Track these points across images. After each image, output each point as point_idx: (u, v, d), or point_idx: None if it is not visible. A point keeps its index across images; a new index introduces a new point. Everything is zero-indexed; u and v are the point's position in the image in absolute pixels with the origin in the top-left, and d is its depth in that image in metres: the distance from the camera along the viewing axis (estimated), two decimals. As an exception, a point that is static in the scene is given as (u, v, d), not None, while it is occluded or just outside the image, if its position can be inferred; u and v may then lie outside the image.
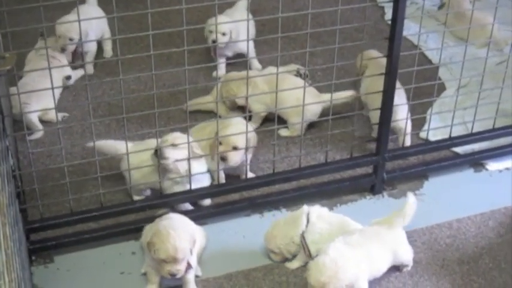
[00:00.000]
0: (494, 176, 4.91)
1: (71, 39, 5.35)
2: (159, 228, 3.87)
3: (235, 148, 4.43)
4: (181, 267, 3.86)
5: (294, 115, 4.86)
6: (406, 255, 4.09)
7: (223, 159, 4.43)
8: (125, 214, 4.29)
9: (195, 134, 4.56)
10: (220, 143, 4.40)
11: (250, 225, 4.44)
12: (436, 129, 4.90)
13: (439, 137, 4.93)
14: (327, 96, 4.79)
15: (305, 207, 4.20)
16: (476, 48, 5.73)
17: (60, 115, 5.12)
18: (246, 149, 4.45)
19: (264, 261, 4.19)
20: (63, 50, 5.41)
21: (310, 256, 4.07)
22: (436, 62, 5.49)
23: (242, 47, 5.27)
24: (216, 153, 4.41)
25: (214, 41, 5.21)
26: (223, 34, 5.26)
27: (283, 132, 5.06)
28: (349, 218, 4.22)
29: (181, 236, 3.84)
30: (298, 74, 5.13)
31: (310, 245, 4.09)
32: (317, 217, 4.15)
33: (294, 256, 4.17)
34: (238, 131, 4.40)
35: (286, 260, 4.18)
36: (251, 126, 4.53)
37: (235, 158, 4.46)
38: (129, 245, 4.29)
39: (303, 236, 4.10)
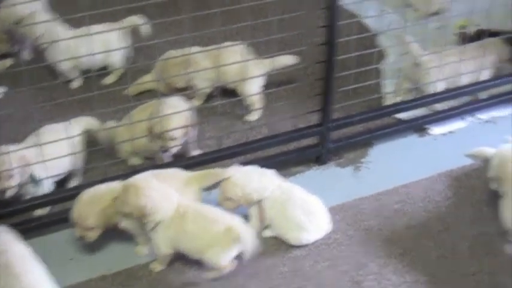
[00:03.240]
0: (438, 140, 4.96)
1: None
2: (88, 190, 4.02)
3: (172, 139, 4.41)
4: (82, 233, 4.00)
5: (242, 83, 4.82)
6: None
7: (166, 151, 4.43)
8: (69, 200, 4.24)
9: (137, 116, 4.51)
10: (160, 137, 4.39)
11: (199, 202, 4.42)
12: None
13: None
14: (268, 62, 4.78)
15: (272, 172, 4.23)
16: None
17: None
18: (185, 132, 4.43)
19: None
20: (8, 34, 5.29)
21: (263, 221, 4.12)
22: (375, 30, 5.51)
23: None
24: (153, 137, 4.41)
25: None
26: None
27: (251, 116, 5.03)
28: (298, 187, 4.24)
29: (89, 206, 3.96)
30: None
31: (267, 211, 4.13)
32: (278, 185, 4.18)
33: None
34: (173, 119, 4.36)
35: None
36: (187, 105, 4.49)
37: (176, 147, 4.45)
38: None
39: (261, 202, 4.12)
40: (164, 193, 3.90)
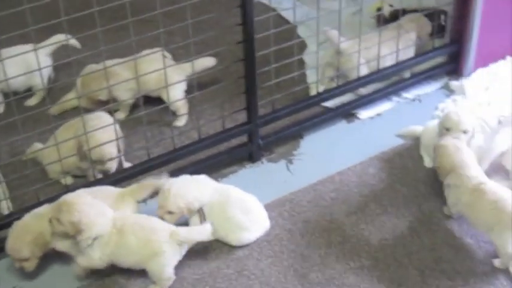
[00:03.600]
0: (367, 124, 4.99)
1: None
2: (17, 222, 3.98)
3: (110, 159, 4.39)
4: (20, 264, 3.96)
5: (164, 90, 4.77)
6: None
7: (105, 172, 4.41)
8: (5, 228, 4.16)
9: (61, 135, 4.44)
10: (95, 162, 4.37)
11: (135, 215, 4.38)
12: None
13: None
14: (188, 65, 4.75)
15: (204, 177, 4.22)
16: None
17: None
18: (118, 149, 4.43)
19: (155, 249, 4.14)
20: None
21: None
22: (294, 21, 5.51)
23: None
24: (84, 155, 4.37)
25: None
26: None
27: (178, 122, 5.02)
28: (233, 187, 4.24)
29: (20, 239, 3.92)
30: None
31: (207, 217, 4.10)
32: (214, 189, 4.16)
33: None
34: (103, 135, 4.34)
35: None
36: (112, 119, 4.45)
37: (114, 166, 4.44)
38: (16, 259, 4.18)
39: (201, 209, 4.10)
40: (98, 208, 3.84)
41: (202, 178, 4.18)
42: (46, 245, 3.95)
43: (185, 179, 4.14)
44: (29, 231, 3.92)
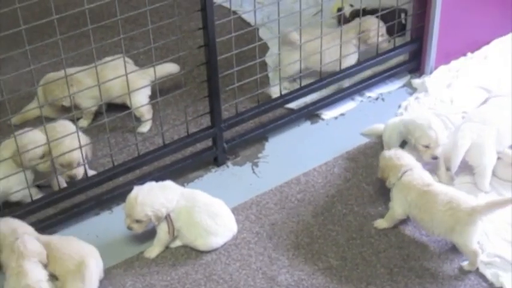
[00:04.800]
0: (331, 124, 5.00)
1: None
2: None
3: (79, 164, 4.35)
4: None
5: (128, 96, 4.74)
6: None
7: (72, 178, 4.36)
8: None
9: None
10: (63, 165, 4.33)
11: (101, 223, 4.36)
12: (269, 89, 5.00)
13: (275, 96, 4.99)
14: (151, 71, 4.72)
15: (170, 182, 4.19)
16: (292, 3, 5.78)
17: None
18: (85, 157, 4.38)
19: (122, 257, 4.12)
20: None
21: (173, 235, 4.09)
22: (255, 24, 5.50)
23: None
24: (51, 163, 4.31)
25: None
26: None
27: (142, 128, 4.99)
28: (200, 191, 4.21)
29: None
30: None
31: (175, 223, 4.09)
32: (180, 194, 4.14)
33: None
34: (69, 144, 4.30)
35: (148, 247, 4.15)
36: (75, 127, 4.40)
37: (81, 172, 4.39)
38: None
39: (169, 215, 4.07)
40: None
41: (168, 184, 4.16)
42: None
43: (151, 186, 4.11)
44: None
